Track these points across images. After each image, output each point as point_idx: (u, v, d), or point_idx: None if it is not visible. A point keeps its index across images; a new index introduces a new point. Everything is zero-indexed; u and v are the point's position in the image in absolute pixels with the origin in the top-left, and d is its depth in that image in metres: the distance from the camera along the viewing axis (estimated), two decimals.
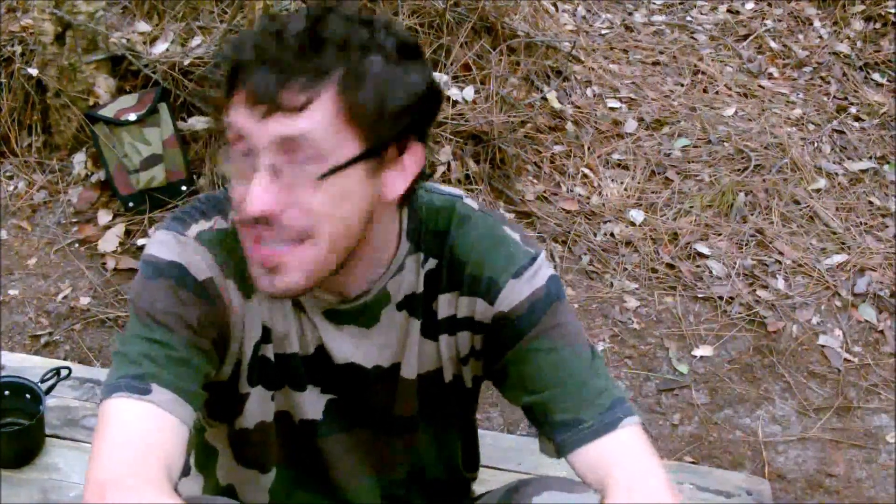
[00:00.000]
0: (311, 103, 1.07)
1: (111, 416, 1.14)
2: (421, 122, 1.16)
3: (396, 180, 1.16)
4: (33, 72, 3.25)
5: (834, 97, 4.17)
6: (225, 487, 1.44)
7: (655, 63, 4.31)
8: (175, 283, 1.19)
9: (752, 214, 3.42)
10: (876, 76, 4.33)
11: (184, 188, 3.15)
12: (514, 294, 1.26)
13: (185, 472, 1.53)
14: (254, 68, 1.07)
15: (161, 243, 1.22)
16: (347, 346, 1.29)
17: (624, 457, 1.22)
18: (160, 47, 3.38)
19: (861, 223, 3.45)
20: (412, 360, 1.31)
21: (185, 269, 1.20)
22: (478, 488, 1.60)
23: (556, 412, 1.24)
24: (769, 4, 4.79)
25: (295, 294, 1.17)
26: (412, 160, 1.16)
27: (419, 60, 1.15)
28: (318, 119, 1.07)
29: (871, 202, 3.57)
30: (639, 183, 3.54)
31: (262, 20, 1.11)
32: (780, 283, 3.15)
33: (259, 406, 1.32)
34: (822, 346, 2.96)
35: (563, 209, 3.37)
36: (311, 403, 1.33)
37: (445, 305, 1.29)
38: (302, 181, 1.08)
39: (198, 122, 3.27)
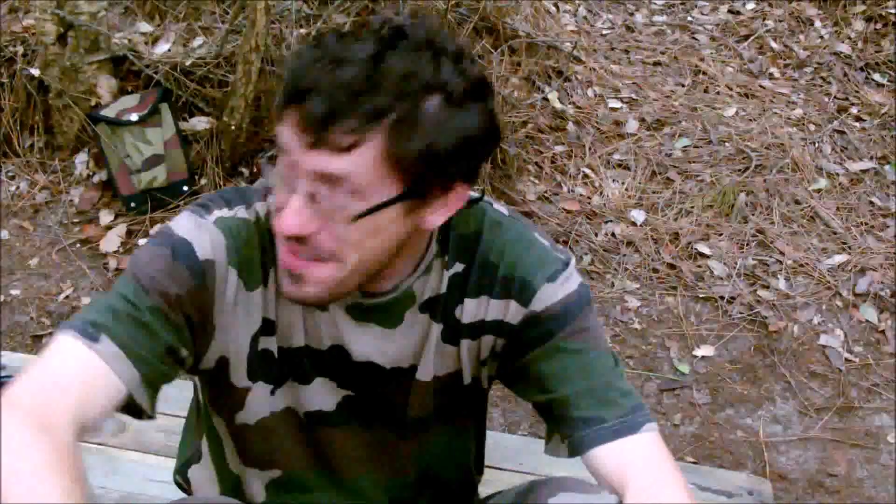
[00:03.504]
0: (358, 147, 1.05)
1: (54, 350, 1.15)
2: (470, 165, 1.14)
3: (437, 214, 1.16)
4: (35, 72, 3.25)
5: (835, 97, 4.17)
6: (236, 476, 1.43)
7: (656, 63, 4.31)
8: (171, 255, 1.19)
9: (752, 214, 3.42)
10: (876, 76, 4.33)
11: (185, 188, 3.16)
12: (548, 296, 1.26)
13: (197, 458, 1.53)
14: (307, 95, 1.05)
15: (179, 221, 1.23)
16: (367, 346, 1.29)
17: (643, 460, 1.22)
18: (162, 48, 3.39)
19: (862, 223, 3.45)
20: (429, 363, 1.31)
21: (190, 246, 1.20)
22: (480, 489, 1.60)
23: (578, 409, 1.24)
24: (770, 5, 4.79)
25: (316, 304, 1.19)
26: (456, 198, 1.16)
27: (484, 99, 1.12)
28: (362, 162, 1.06)
29: (871, 202, 3.58)
30: (640, 183, 3.54)
31: (330, 38, 1.08)
32: (782, 283, 3.15)
33: (260, 402, 1.32)
34: (824, 346, 2.96)
35: (565, 209, 3.37)
36: (322, 395, 1.32)
37: (472, 310, 1.29)
38: (337, 212, 1.09)
39: (199, 123, 3.27)
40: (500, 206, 1.32)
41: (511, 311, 1.28)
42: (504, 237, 1.28)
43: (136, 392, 1.16)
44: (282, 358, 1.29)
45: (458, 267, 1.28)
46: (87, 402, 1.11)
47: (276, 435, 1.35)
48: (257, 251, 1.24)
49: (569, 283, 1.28)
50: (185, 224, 1.21)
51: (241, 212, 1.24)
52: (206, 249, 1.20)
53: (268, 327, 1.27)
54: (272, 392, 1.32)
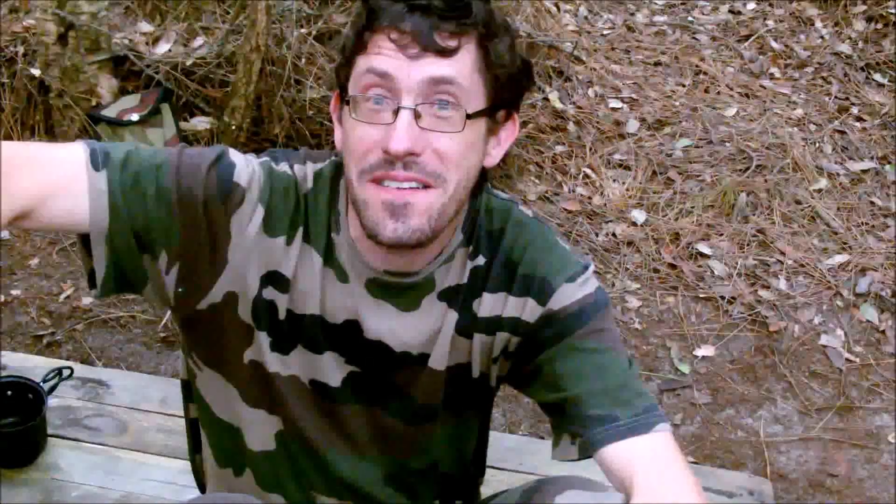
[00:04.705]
0: (459, 50, 1.15)
1: (63, 146, 1.20)
2: (520, 95, 1.25)
3: (495, 149, 1.24)
4: (36, 72, 3.26)
5: (835, 97, 4.17)
6: (231, 426, 1.41)
7: (657, 63, 4.31)
8: (213, 162, 1.23)
9: (753, 214, 3.42)
10: (877, 76, 4.32)
11: None
12: (567, 296, 1.28)
13: (198, 448, 1.53)
14: (404, 13, 1.13)
15: (237, 153, 1.27)
16: (381, 324, 1.30)
17: (654, 459, 1.22)
18: (162, 47, 3.39)
19: (862, 223, 3.45)
20: (442, 352, 1.32)
21: (233, 167, 1.24)
22: (481, 490, 1.60)
23: (592, 407, 1.24)
24: (770, 5, 4.79)
25: (418, 241, 1.19)
26: (507, 133, 1.25)
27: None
28: (464, 65, 1.15)
29: (872, 202, 3.57)
30: (640, 183, 3.54)
31: None
32: (782, 283, 3.15)
33: (267, 354, 1.31)
34: (824, 346, 2.96)
35: (565, 209, 3.37)
36: (330, 369, 1.32)
37: (490, 305, 1.30)
38: (438, 126, 1.15)
39: (200, 123, 3.27)
40: (526, 209, 1.35)
41: (528, 309, 1.29)
42: (527, 237, 1.31)
43: (95, 237, 1.19)
44: (290, 321, 1.30)
45: (481, 260, 1.30)
46: (47, 200, 1.15)
47: (281, 395, 1.34)
48: (291, 205, 1.27)
49: (587, 285, 1.30)
50: (238, 154, 1.26)
51: (284, 167, 1.28)
52: (242, 177, 1.23)
53: (281, 283, 1.28)
54: (273, 347, 1.31)
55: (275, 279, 1.27)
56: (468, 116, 1.16)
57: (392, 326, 1.30)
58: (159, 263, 1.23)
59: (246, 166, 1.25)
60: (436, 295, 1.30)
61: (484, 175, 1.27)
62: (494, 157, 1.25)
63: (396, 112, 1.14)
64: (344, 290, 1.28)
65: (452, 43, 1.14)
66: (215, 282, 1.26)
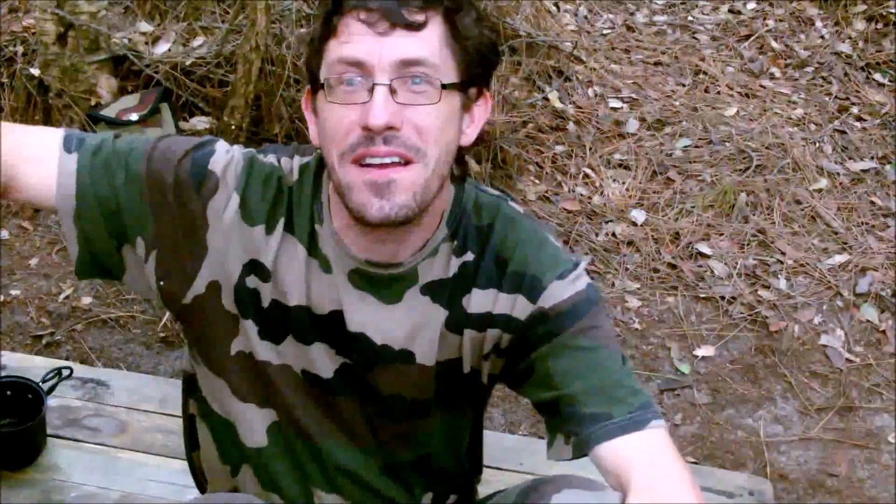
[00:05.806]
0: (426, 25, 1.16)
1: (39, 129, 1.27)
2: (490, 71, 1.26)
3: (469, 128, 1.25)
4: (35, 72, 3.25)
5: (835, 97, 4.17)
6: (226, 422, 1.40)
7: (657, 63, 4.31)
8: (191, 149, 1.26)
9: (753, 214, 3.42)
10: (877, 76, 4.32)
11: None
12: (557, 294, 1.27)
13: (195, 446, 1.53)
14: None
15: (225, 143, 1.30)
16: (363, 316, 1.29)
17: (649, 456, 1.22)
18: (162, 47, 3.39)
19: (863, 223, 3.45)
20: (428, 347, 1.31)
21: (211, 154, 1.26)
22: (480, 489, 1.60)
23: (586, 406, 1.24)
24: (771, 4, 4.79)
25: (405, 217, 1.19)
26: (481, 111, 1.26)
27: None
28: (433, 39, 1.17)
29: (872, 202, 3.57)
30: (640, 183, 3.54)
31: None
32: (782, 283, 3.15)
33: (256, 342, 1.31)
34: (824, 346, 2.96)
35: (565, 209, 3.37)
36: (321, 360, 1.32)
37: (480, 301, 1.30)
38: (414, 100, 1.16)
39: (199, 123, 3.27)
40: (516, 205, 1.34)
41: (519, 307, 1.28)
42: (517, 234, 1.30)
43: (63, 216, 1.23)
44: (276, 310, 1.29)
45: (469, 256, 1.29)
46: (13, 168, 1.21)
47: (274, 384, 1.34)
48: (270, 195, 1.28)
49: (578, 282, 1.29)
50: (224, 144, 1.29)
51: (270, 158, 1.30)
52: (218, 165, 1.26)
53: (262, 272, 1.28)
54: (263, 336, 1.31)
55: (256, 267, 1.28)
56: (443, 87, 1.16)
57: (374, 319, 1.29)
58: (137, 251, 1.25)
59: (225, 154, 1.27)
60: (419, 288, 1.29)
61: (462, 156, 1.26)
62: (469, 135, 1.25)
63: (371, 90, 1.14)
64: (328, 281, 1.28)
65: (420, 17, 1.15)
66: (198, 271, 1.27)
